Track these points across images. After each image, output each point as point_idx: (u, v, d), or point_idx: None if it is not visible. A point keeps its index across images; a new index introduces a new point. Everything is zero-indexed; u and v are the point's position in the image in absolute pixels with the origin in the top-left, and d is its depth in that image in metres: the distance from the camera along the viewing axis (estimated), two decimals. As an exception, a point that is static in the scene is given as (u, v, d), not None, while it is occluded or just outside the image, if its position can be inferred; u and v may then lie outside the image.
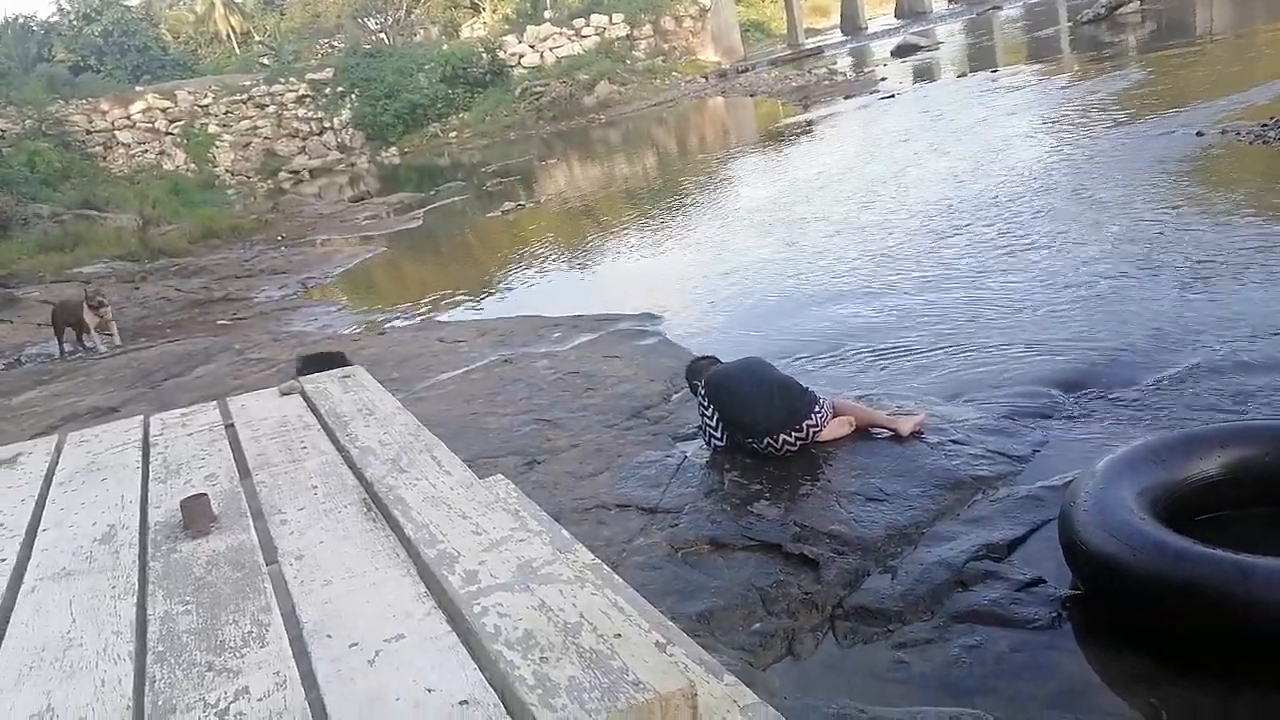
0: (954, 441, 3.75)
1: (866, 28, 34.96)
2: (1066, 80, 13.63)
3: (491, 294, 9.36)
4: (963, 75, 17.27)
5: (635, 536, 3.46)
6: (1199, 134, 8.14)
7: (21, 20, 38.21)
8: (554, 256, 10.63)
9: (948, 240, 6.93)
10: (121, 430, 2.35)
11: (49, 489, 1.96)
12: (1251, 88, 9.67)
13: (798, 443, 3.84)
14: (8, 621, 1.38)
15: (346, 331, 8.58)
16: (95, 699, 1.14)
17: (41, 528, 1.74)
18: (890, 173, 9.97)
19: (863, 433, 3.94)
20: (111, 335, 9.05)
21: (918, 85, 17.83)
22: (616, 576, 2.04)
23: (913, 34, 26.55)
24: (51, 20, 39.27)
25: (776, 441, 3.84)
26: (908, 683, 2.52)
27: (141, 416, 2.44)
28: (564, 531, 2.26)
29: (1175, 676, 2.32)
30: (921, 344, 5.05)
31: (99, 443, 2.26)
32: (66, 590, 1.45)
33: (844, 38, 34.24)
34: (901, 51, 24.31)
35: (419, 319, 8.64)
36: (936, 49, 24.05)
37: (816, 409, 3.88)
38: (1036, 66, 16.05)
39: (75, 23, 38.65)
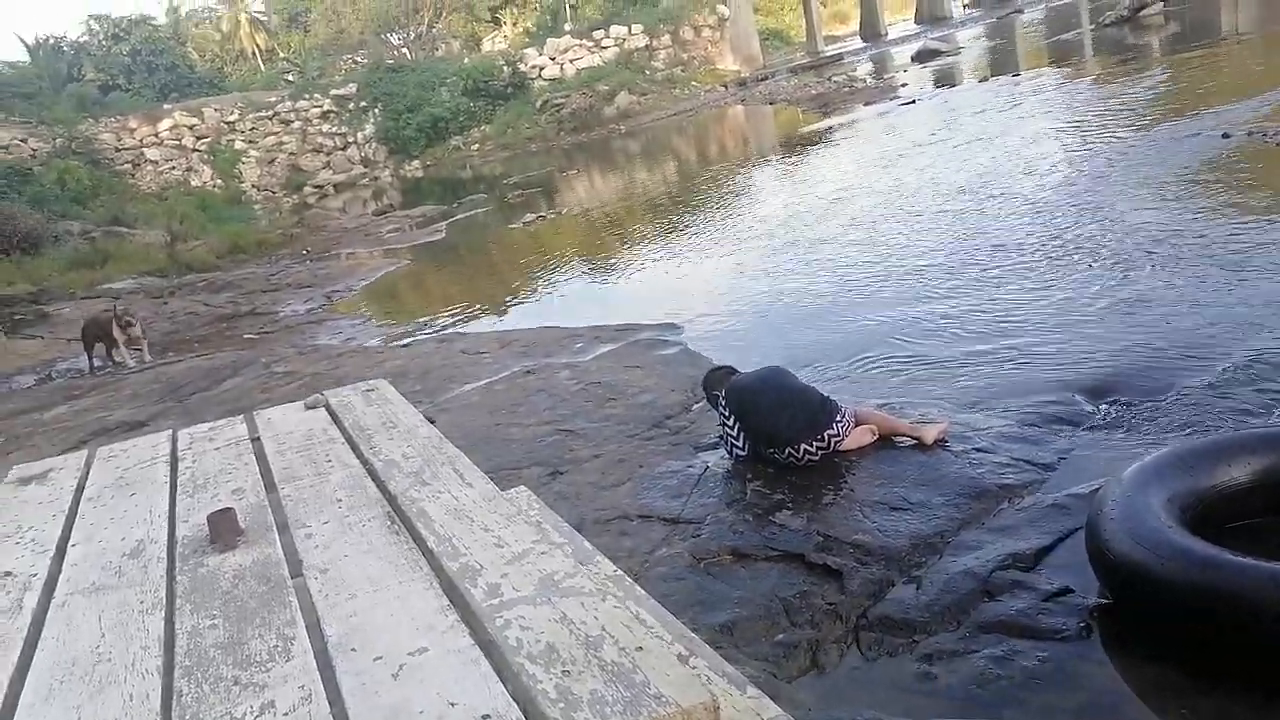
0: (979, 449, 3.72)
1: (886, 34, 34.87)
2: (1089, 84, 13.52)
3: (513, 305, 9.40)
4: (984, 80, 17.16)
5: (658, 547, 3.45)
6: (1225, 136, 8.05)
7: (52, 41, 38.88)
8: (575, 268, 10.66)
9: (969, 248, 6.88)
10: (150, 445, 2.39)
11: (79, 504, 2.00)
12: (1279, 89, 9.55)
13: (819, 452, 3.83)
14: (39, 636, 1.40)
15: (370, 344, 8.65)
16: (123, 714, 1.16)
17: (71, 543, 1.77)
18: (909, 181, 9.92)
19: (885, 441, 3.92)
20: (141, 351, 9.17)
21: (938, 91, 17.74)
22: (639, 588, 2.05)
23: (933, 39, 26.45)
24: (81, 40, 39.93)
25: (798, 451, 3.83)
26: (934, 694, 2.49)
27: (169, 431, 2.48)
28: (586, 543, 2.26)
29: (1206, 687, 2.29)
30: (944, 352, 5.01)
31: (128, 457, 2.29)
32: (96, 605, 1.48)
33: (864, 44, 34.17)
34: (922, 57, 24.21)
35: (442, 330, 8.69)
36: (957, 54, 23.94)
37: (838, 418, 3.86)
38: (1059, 70, 15.93)
39: (104, 42, 39.25)
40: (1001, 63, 19.64)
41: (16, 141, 26.11)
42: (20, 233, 16.58)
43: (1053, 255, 6.17)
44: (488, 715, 1.03)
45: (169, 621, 1.39)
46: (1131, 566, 2.46)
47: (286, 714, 1.10)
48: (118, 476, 2.15)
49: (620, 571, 2.13)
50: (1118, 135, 9.32)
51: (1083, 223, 6.69)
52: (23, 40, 60.98)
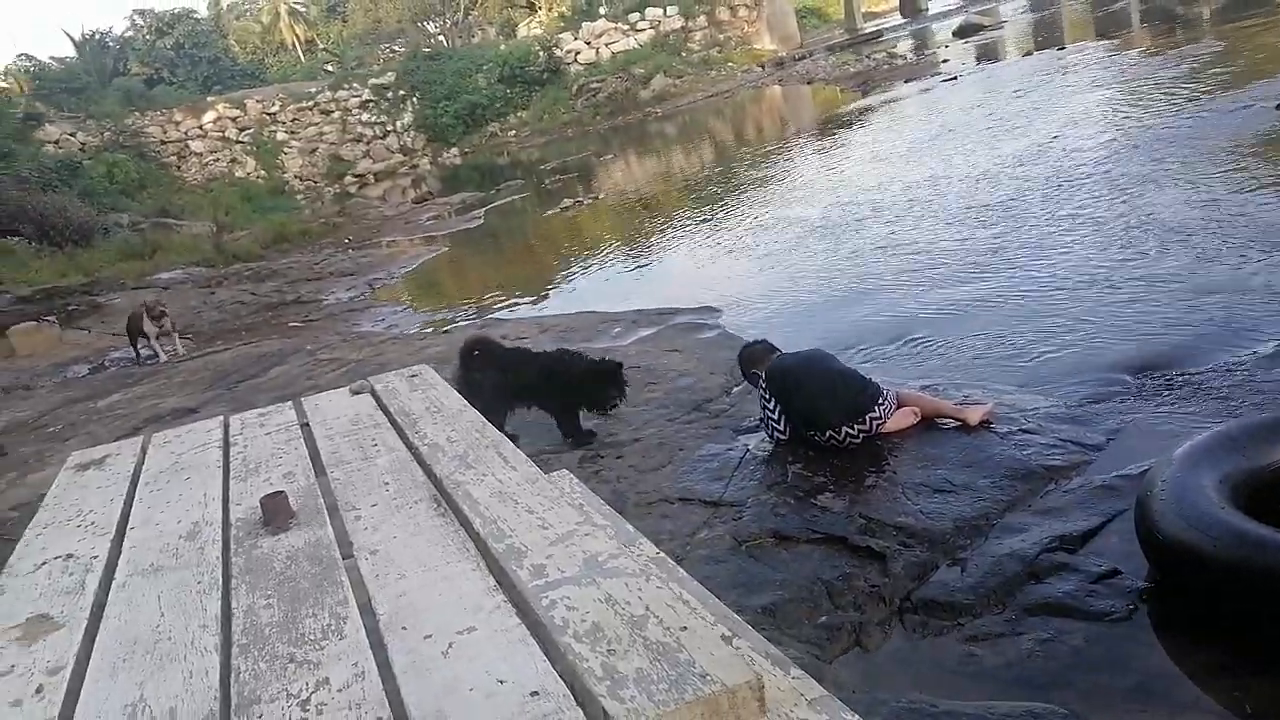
0: (1024, 430, 3.67)
1: (927, 9, 34.24)
2: (1136, 56, 13.19)
3: (552, 290, 9.43)
4: (1027, 54, 16.83)
5: (699, 530, 3.46)
6: (1278, 107, 7.82)
7: (98, 36, 39.67)
8: (613, 252, 10.66)
9: (1015, 226, 6.77)
10: (203, 430, 2.44)
11: (136, 488, 2.05)
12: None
13: (861, 435, 3.80)
14: (101, 616, 1.45)
15: (412, 331, 8.74)
16: (184, 689, 1.19)
17: (130, 526, 1.82)
18: (952, 161, 9.77)
19: (928, 423, 3.88)
20: (174, 345, 9.27)
21: (981, 66, 17.43)
22: (681, 570, 2.06)
23: (975, 14, 25.96)
24: (126, 35, 40.70)
25: (840, 434, 3.81)
26: (979, 676, 2.48)
27: (221, 417, 2.53)
28: (628, 525, 2.28)
29: (1259, 668, 2.25)
30: (989, 332, 4.95)
31: (182, 443, 2.35)
32: (155, 585, 1.52)
33: (903, 20, 33.59)
34: (963, 32, 23.80)
35: (482, 316, 8.75)
36: (1000, 28, 23.50)
37: (880, 401, 3.83)
38: (1105, 42, 15.55)
39: (148, 36, 40.01)
40: (1046, 36, 19.22)
41: (66, 136, 26.71)
42: (72, 225, 16.98)
43: (1098, 234, 6.05)
44: (536, 692, 1.05)
45: (225, 601, 1.43)
46: (1183, 548, 2.42)
47: (341, 690, 1.13)
48: (173, 461, 2.20)
49: (662, 554, 2.14)
50: (1166, 110, 9.08)
51: (1130, 200, 6.55)
52: (70, 36, 62.25)
